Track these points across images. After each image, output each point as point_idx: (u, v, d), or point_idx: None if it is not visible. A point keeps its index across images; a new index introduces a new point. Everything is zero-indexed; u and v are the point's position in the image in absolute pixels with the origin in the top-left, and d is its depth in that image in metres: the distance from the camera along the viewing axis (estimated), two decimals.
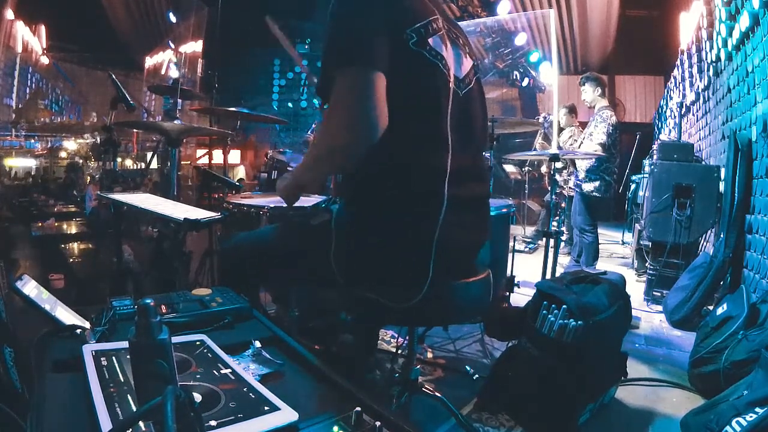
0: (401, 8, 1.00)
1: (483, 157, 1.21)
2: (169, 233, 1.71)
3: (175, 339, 0.70)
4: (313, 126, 3.06)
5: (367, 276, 1.05)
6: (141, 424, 0.55)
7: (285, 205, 1.17)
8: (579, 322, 1.57)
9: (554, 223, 4.04)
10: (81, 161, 6.94)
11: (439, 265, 1.01)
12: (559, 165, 4.26)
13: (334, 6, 0.98)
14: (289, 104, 10.35)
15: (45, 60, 8.71)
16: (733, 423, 1.36)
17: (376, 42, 0.94)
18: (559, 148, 4.38)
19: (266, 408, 0.62)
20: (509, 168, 6.62)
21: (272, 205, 1.73)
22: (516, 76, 8.07)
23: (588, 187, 3.64)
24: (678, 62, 5.44)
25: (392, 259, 1.02)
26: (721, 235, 2.84)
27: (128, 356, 0.58)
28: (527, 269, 3.48)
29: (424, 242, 1.00)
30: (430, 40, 1.01)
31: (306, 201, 1.60)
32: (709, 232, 3.33)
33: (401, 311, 1.05)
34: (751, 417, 1.34)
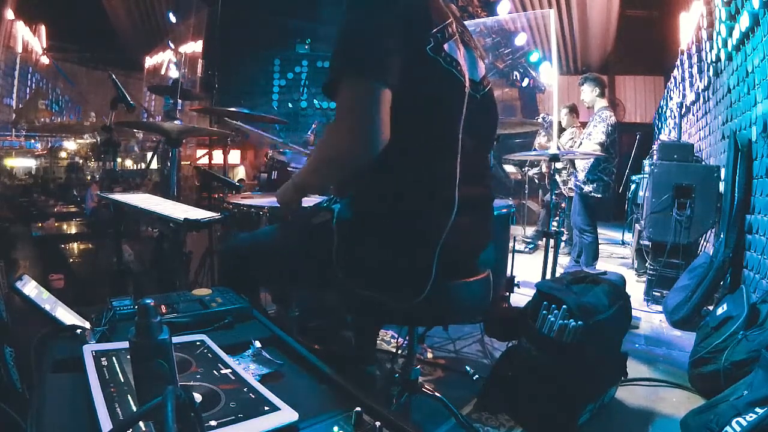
0: (421, 12, 0.97)
1: (488, 160, 1.21)
2: (169, 233, 1.71)
3: (176, 339, 0.70)
4: (314, 126, 3.06)
5: (369, 275, 1.05)
6: (141, 424, 0.55)
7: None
8: (579, 322, 1.57)
9: (554, 223, 4.04)
10: (81, 161, 6.94)
11: (442, 266, 1.01)
12: (559, 165, 4.28)
13: (351, 3, 0.94)
14: (289, 104, 10.35)
15: (45, 60, 8.70)
16: (733, 423, 1.36)
17: (390, 53, 0.91)
18: (559, 148, 4.38)
19: (266, 408, 0.62)
20: (509, 168, 6.62)
21: (272, 205, 1.73)
22: (516, 76, 8.06)
23: (587, 187, 3.64)
24: (678, 62, 5.44)
25: (396, 260, 1.02)
26: (721, 235, 2.84)
27: (128, 356, 0.58)
28: (527, 269, 3.48)
29: (430, 244, 1.00)
30: (445, 46, 0.99)
31: (306, 201, 1.60)
32: (709, 232, 3.33)
33: (402, 311, 1.05)
34: (751, 417, 1.34)
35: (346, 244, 1.04)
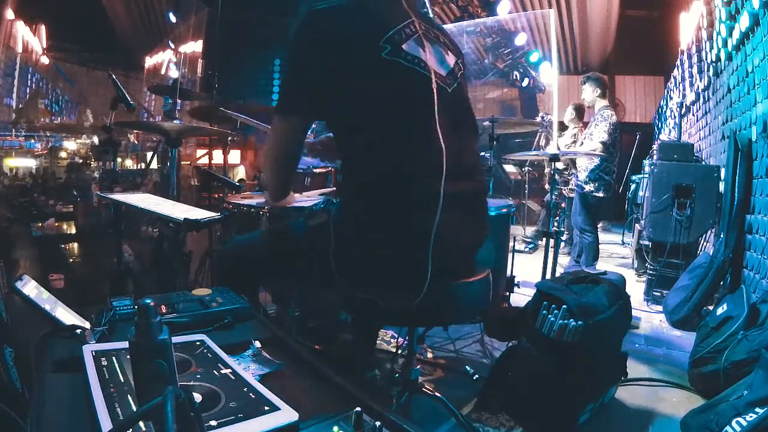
0: (372, 21, 1.03)
1: (476, 153, 1.22)
2: (169, 233, 1.71)
3: (175, 339, 0.70)
4: (313, 126, 3.05)
5: (366, 277, 1.05)
6: (141, 424, 0.55)
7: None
8: (579, 322, 1.57)
9: (554, 223, 4.05)
10: (81, 161, 6.94)
11: (437, 266, 1.00)
12: (560, 165, 4.28)
13: (292, 42, 1.05)
14: None
15: (45, 60, 8.71)
16: (733, 423, 1.36)
17: (315, 90, 1.03)
18: (558, 148, 4.38)
19: (266, 408, 0.62)
20: (509, 168, 6.62)
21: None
22: (516, 76, 8.07)
23: (588, 187, 3.64)
24: (678, 62, 5.44)
25: (391, 262, 1.02)
26: (721, 235, 2.84)
27: (128, 356, 0.58)
28: (527, 269, 3.48)
29: (422, 244, 1.00)
30: (404, 46, 1.03)
31: (305, 201, 1.61)
32: (709, 232, 3.33)
33: (401, 312, 1.05)
34: (751, 417, 1.34)
35: (342, 245, 1.05)
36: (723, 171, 3.05)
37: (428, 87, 1.04)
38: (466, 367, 1.96)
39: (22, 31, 7.68)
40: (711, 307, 2.62)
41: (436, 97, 1.04)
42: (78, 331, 0.85)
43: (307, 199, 1.75)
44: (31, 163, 7.31)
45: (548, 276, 2.54)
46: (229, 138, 3.29)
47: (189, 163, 6.02)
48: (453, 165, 1.03)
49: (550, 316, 1.62)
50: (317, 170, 2.79)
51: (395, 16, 1.07)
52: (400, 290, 1.03)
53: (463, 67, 1.21)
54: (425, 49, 1.07)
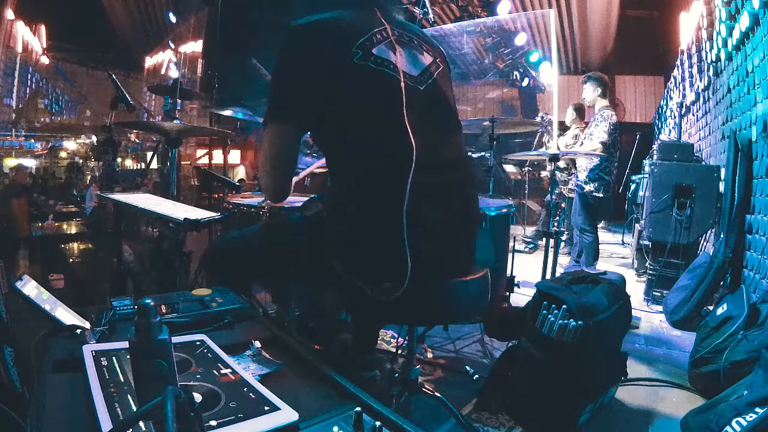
0: (347, 31, 1.11)
1: (458, 147, 1.23)
2: (169, 233, 1.71)
3: (175, 339, 0.70)
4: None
5: (358, 266, 1.08)
6: (141, 424, 0.55)
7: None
8: (579, 322, 1.57)
9: (554, 223, 4.04)
10: (81, 161, 6.94)
11: (417, 256, 1.02)
12: (561, 165, 4.28)
13: (277, 53, 1.11)
14: None
15: (45, 60, 8.70)
16: (733, 423, 1.36)
17: (300, 97, 1.10)
18: (558, 148, 4.38)
19: (266, 408, 0.63)
20: (509, 168, 6.63)
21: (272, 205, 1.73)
22: (516, 76, 8.07)
23: (588, 187, 3.64)
24: (678, 62, 5.44)
25: (374, 252, 1.06)
26: (721, 235, 2.84)
27: (128, 356, 0.58)
28: (527, 269, 3.48)
29: (396, 234, 1.03)
30: (374, 50, 1.10)
31: (299, 201, 1.61)
32: (709, 232, 3.33)
33: (396, 307, 1.06)
34: (751, 417, 1.34)
35: (336, 241, 1.09)
36: (723, 171, 3.06)
37: (397, 87, 1.10)
38: (466, 367, 1.96)
39: (22, 31, 7.68)
40: (711, 307, 2.62)
41: (404, 96, 1.09)
42: (78, 331, 0.85)
43: (302, 198, 1.75)
44: (31, 163, 7.31)
45: (548, 276, 2.54)
46: (229, 138, 3.29)
47: (189, 163, 6.03)
48: (426, 159, 1.06)
49: (550, 316, 1.62)
50: (317, 170, 2.79)
51: (368, 25, 1.14)
52: (386, 280, 1.05)
53: (443, 65, 1.25)
54: (396, 52, 1.14)
